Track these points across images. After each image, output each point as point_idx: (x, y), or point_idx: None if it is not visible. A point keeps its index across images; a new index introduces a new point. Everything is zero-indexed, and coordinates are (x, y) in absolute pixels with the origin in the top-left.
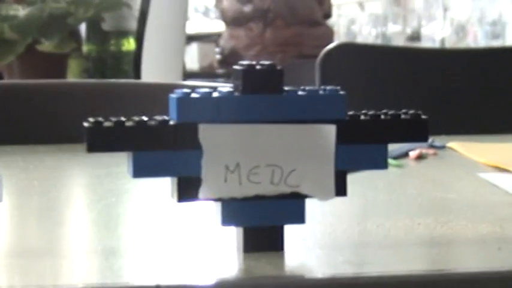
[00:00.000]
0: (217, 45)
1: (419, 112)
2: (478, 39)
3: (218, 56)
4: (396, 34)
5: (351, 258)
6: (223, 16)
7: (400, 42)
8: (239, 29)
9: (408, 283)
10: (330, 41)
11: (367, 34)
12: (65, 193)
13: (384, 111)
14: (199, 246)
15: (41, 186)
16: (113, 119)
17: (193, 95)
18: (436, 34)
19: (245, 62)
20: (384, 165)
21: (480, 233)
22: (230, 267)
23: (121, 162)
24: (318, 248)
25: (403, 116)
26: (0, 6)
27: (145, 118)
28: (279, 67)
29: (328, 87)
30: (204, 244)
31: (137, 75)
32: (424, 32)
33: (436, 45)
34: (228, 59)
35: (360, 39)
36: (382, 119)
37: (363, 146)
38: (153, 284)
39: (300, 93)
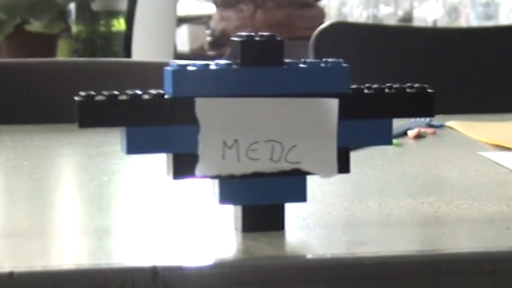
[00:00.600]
0: (208, 27)
1: (425, 86)
2: (470, 20)
3: (209, 38)
4: (388, 16)
5: (353, 237)
6: None
7: (391, 23)
8: (229, 10)
9: (414, 263)
10: (321, 22)
11: (358, 16)
12: (55, 173)
13: (389, 84)
14: (196, 225)
15: (31, 166)
16: (106, 92)
17: (190, 68)
18: (428, 16)
19: (244, 33)
20: (388, 141)
21: (487, 212)
22: (229, 247)
23: (112, 141)
24: (319, 228)
25: (408, 90)
26: None
27: (139, 92)
28: (278, 38)
29: (330, 60)
30: (201, 224)
31: (127, 56)
32: (416, 13)
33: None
34: (219, 40)
35: (351, 20)
36: (387, 93)
37: (366, 121)
38: (149, 265)
39: (301, 65)
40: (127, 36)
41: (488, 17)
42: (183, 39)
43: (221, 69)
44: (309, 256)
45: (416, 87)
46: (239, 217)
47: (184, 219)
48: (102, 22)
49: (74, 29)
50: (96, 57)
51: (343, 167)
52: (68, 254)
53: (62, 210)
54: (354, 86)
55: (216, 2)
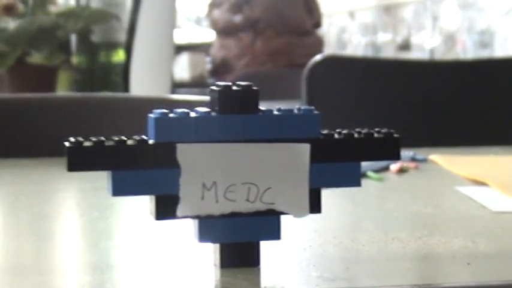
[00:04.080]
0: (208, 54)
1: (392, 131)
2: (466, 48)
3: (209, 66)
4: (386, 43)
5: (325, 273)
6: (214, 26)
7: (390, 51)
8: (229, 38)
9: None
10: (320, 50)
11: (357, 43)
12: (50, 208)
13: (358, 129)
14: (178, 261)
15: (27, 201)
16: (93, 138)
17: (171, 115)
18: (426, 43)
19: (221, 83)
20: (356, 182)
21: (452, 248)
22: (207, 282)
23: (104, 176)
24: (293, 264)
25: (376, 135)
26: None
27: (124, 138)
28: (254, 88)
29: (303, 107)
30: (182, 260)
31: (126, 86)
32: (414, 40)
33: (426, 54)
34: (219, 68)
35: (350, 48)
36: (356, 138)
37: (336, 164)
38: None
39: (275, 112)
40: (126, 67)
41: (484, 45)
42: (183, 67)
43: (200, 117)
44: None
45: (384, 133)
46: (217, 254)
47: (167, 256)
48: (101, 53)
49: (74, 60)
50: (96, 87)
51: (315, 207)
52: None
53: (55, 246)
54: (325, 132)
55: (216, 30)
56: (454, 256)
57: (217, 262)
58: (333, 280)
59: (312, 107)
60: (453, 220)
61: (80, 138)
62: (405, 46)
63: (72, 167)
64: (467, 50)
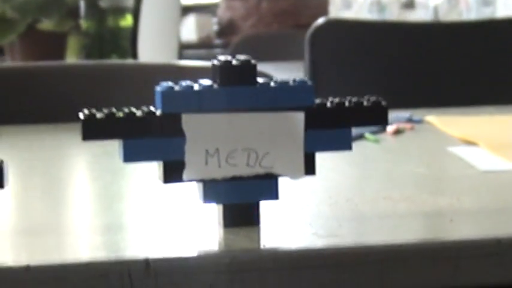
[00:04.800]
0: (215, 16)
1: (380, 99)
2: (469, 6)
3: (215, 27)
4: (391, 1)
5: (319, 231)
6: None
7: (394, 10)
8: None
9: (365, 253)
10: (325, 10)
11: (362, 1)
12: (65, 173)
13: (348, 98)
14: (184, 222)
15: (43, 167)
16: (105, 110)
17: (176, 88)
18: (430, 1)
19: (222, 58)
20: (347, 146)
21: (437, 206)
22: (211, 241)
23: (115, 141)
24: (290, 222)
25: (365, 103)
26: None
27: (133, 109)
28: (252, 61)
29: (298, 79)
30: (188, 220)
31: (134, 50)
32: None
33: (430, 12)
34: (225, 29)
35: (355, 7)
36: (346, 106)
37: (329, 130)
38: (142, 257)
39: (271, 84)
40: (133, 31)
41: (487, 3)
42: (190, 28)
43: (203, 89)
44: (281, 249)
45: (372, 101)
46: (221, 214)
47: (174, 217)
48: (109, 18)
49: (83, 25)
50: (105, 52)
51: (310, 169)
52: (75, 248)
53: (70, 209)
54: (318, 101)
55: None
56: (439, 213)
57: (221, 221)
58: (326, 237)
59: (306, 79)
60: (442, 179)
61: (93, 110)
62: (409, 4)
63: (87, 136)
64: (470, 9)
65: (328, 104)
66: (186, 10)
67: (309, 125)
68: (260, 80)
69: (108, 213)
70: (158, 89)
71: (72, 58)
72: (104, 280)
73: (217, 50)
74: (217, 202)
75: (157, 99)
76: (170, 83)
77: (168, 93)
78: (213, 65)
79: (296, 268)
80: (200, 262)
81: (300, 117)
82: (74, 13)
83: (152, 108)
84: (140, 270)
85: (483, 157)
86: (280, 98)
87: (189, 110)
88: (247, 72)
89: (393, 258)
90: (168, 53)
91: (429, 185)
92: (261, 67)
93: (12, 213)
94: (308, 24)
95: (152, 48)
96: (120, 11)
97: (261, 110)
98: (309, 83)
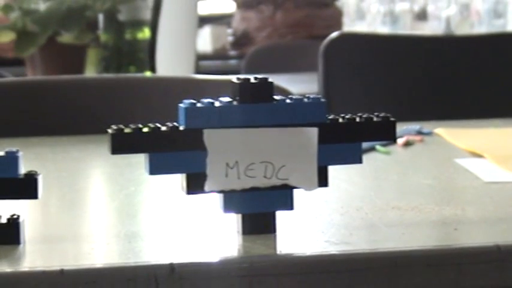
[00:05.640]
0: (230, 27)
1: (388, 115)
2: (481, 18)
3: (230, 38)
4: (404, 12)
5: (331, 239)
6: None
7: (407, 20)
8: (250, 11)
9: (374, 259)
10: (339, 21)
11: (375, 12)
12: (91, 184)
13: (359, 114)
14: (206, 230)
15: (70, 178)
16: (132, 126)
17: (199, 105)
18: (442, 12)
19: (241, 76)
20: (358, 160)
21: (443, 216)
22: (231, 247)
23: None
24: (304, 231)
25: (375, 119)
26: (22, 1)
27: (158, 125)
28: (269, 80)
29: (312, 96)
30: (209, 228)
31: (152, 62)
32: (430, 10)
33: (442, 23)
34: (240, 40)
35: (369, 18)
36: (357, 122)
37: (341, 144)
38: (168, 262)
39: (287, 101)
40: (151, 43)
41: (498, 14)
42: (206, 39)
43: (224, 106)
44: (295, 255)
45: (382, 117)
46: (239, 223)
47: (196, 225)
48: (128, 31)
49: (102, 38)
50: (123, 64)
51: (323, 182)
52: (104, 254)
53: (98, 218)
54: (330, 117)
55: (237, 3)
56: (444, 222)
57: (240, 230)
58: (338, 244)
59: (319, 96)
60: (448, 190)
61: (121, 126)
62: (422, 16)
63: (115, 150)
64: (482, 20)
65: (340, 120)
66: (202, 21)
67: (321, 139)
68: (277, 96)
69: (135, 221)
70: (182, 105)
71: (91, 70)
72: (132, 284)
73: (233, 61)
74: (237, 212)
75: (181, 115)
76: (192, 100)
77: (191, 109)
78: (233, 83)
79: (310, 273)
80: (221, 267)
81: (313, 132)
82: (93, 26)
83: (176, 124)
84: (165, 274)
85: (488, 169)
86: (295, 115)
87: (211, 125)
88: (265, 89)
89: (400, 264)
90: (185, 65)
91: (436, 196)
92: (276, 78)
93: (43, 222)
94: (322, 35)
95: (170, 60)
96: (138, 24)
97: (277, 125)
98: (322, 100)
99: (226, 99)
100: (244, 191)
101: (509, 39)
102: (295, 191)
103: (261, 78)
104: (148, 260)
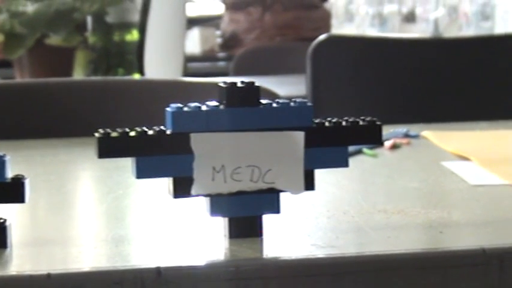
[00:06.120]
0: (218, 29)
1: (375, 119)
2: (469, 20)
3: (219, 40)
4: (392, 14)
5: (318, 242)
6: (223, 0)
7: (395, 22)
8: (239, 13)
9: (359, 262)
10: (328, 23)
11: (364, 14)
12: (79, 187)
13: (345, 118)
14: (192, 233)
15: (58, 181)
16: (119, 129)
17: (186, 109)
18: (430, 15)
19: (228, 80)
20: (345, 164)
21: (429, 219)
22: (218, 251)
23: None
24: (291, 234)
25: (361, 123)
26: (10, 3)
27: (145, 129)
28: (255, 84)
29: (298, 100)
30: (196, 232)
31: (140, 64)
32: (419, 12)
33: (430, 25)
34: (229, 42)
35: (358, 20)
36: (343, 126)
37: (327, 148)
38: (154, 266)
39: (274, 105)
40: (140, 45)
41: (485, 17)
42: (194, 41)
43: (210, 110)
44: (281, 258)
45: (368, 121)
46: (226, 226)
47: (183, 229)
48: (116, 33)
49: (90, 40)
50: (111, 66)
51: (309, 185)
52: (92, 258)
53: (86, 221)
54: (317, 121)
55: (225, 5)
56: (430, 226)
57: (227, 233)
58: (324, 247)
59: (306, 100)
60: (434, 193)
61: (108, 130)
62: (410, 17)
63: (102, 154)
64: (470, 22)
65: (327, 124)
66: (190, 23)
67: (308, 143)
68: (263, 101)
69: (122, 225)
70: (169, 109)
71: (79, 72)
72: (119, 287)
73: (221, 63)
74: (223, 215)
75: (168, 119)
76: (179, 104)
77: (178, 113)
78: (220, 87)
79: (296, 276)
80: (208, 270)
81: (300, 136)
82: (81, 28)
83: (163, 128)
84: (152, 278)
85: (474, 172)
86: (282, 118)
87: (198, 129)
88: (252, 94)
89: (386, 267)
90: (174, 66)
91: (422, 199)
92: (264, 80)
93: (30, 225)
94: (311, 37)
95: (158, 62)
96: (126, 26)
97: (264, 129)
98: (309, 103)
99: (213, 103)
100: (230, 194)
101: (497, 42)
102: (281, 194)
103: (247, 83)
104: (135, 264)
